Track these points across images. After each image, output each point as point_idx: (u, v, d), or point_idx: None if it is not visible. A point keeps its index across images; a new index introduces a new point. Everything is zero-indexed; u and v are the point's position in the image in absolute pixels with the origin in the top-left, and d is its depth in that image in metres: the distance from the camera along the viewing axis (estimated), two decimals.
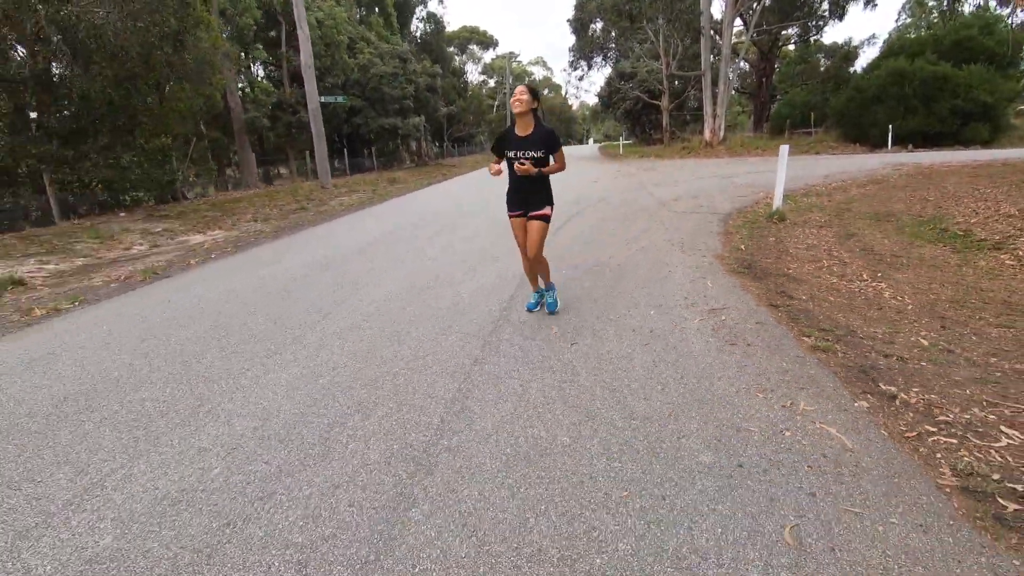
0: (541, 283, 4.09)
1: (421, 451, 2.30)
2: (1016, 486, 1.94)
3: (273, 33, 24.06)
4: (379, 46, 26.66)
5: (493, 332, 3.65)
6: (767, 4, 30.51)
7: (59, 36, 10.31)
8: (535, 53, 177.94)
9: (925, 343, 3.27)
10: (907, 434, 2.29)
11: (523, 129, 3.54)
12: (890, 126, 20.44)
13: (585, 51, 37.72)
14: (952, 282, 4.56)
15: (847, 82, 25.82)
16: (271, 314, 4.39)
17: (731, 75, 28.39)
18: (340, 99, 19.34)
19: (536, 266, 3.86)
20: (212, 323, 4.27)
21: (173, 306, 4.92)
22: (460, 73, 51.26)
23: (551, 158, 3.62)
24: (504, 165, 3.72)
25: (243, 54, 21.49)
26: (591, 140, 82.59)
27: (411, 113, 26.91)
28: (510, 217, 3.84)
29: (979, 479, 1.99)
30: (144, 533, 1.89)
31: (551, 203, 3.76)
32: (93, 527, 1.94)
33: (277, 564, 1.71)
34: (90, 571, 1.73)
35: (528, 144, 3.52)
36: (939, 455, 2.14)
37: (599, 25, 37.13)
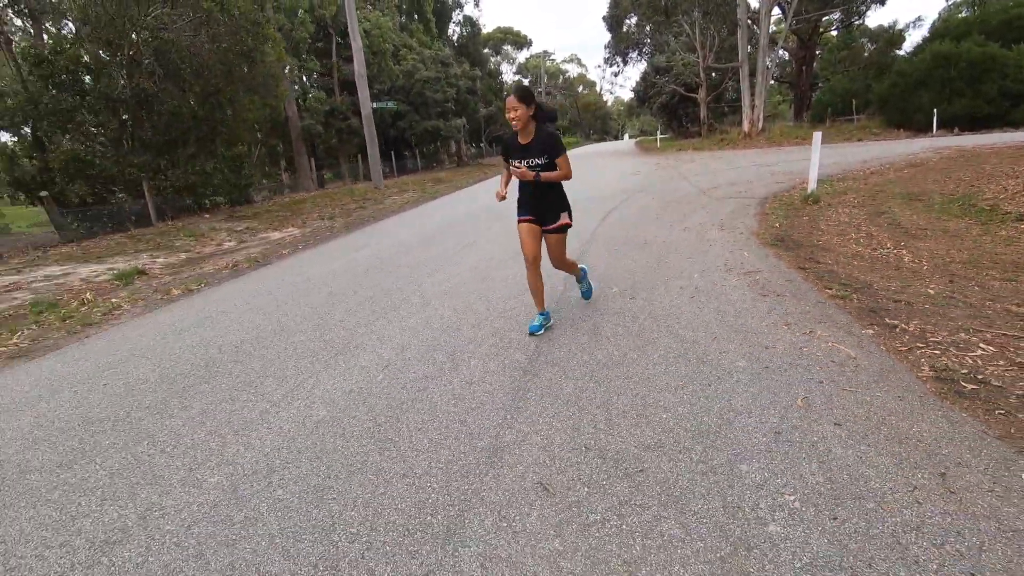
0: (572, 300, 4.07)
1: (526, 364, 3.11)
2: (978, 376, 2.60)
3: (321, 44, 25.50)
4: (421, 52, 27.83)
5: (563, 293, 4.44)
6: None
7: (152, 58, 11.63)
8: (569, 51, 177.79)
9: (932, 292, 3.89)
10: (900, 348, 2.97)
11: (525, 136, 3.27)
12: (935, 110, 20.22)
13: (620, 47, 38.07)
14: (969, 248, 5.09)
15: (890, 68, 25.46)
16: (375, 285, 5.30)
17: (769, 65, 28.30)
18: (390, 105, 20.55)
19: (562, 269, 3.76)
20: (328, 293, 5.21)
21: (289, 283, 5.91)
22: (496, 74, 52.19)
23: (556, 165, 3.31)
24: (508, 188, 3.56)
25: (298, 66, 22.94)
26: (626, 135, 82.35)
27: (452, 115, 27.99)
28: (519, 222, 3.52)
29: (950, 372, 2.66)
30: (346, 409, 2.77)
31: (567, 209, 3.50)
32: (309, 407, 2.83)
33: (446, 421, 2.55)
34: (321, 427, 2.61)
35: (531, 152, 3.26)
36: (923, 360, 2.82)
37: (634, 20, 37.45)
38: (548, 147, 3.23)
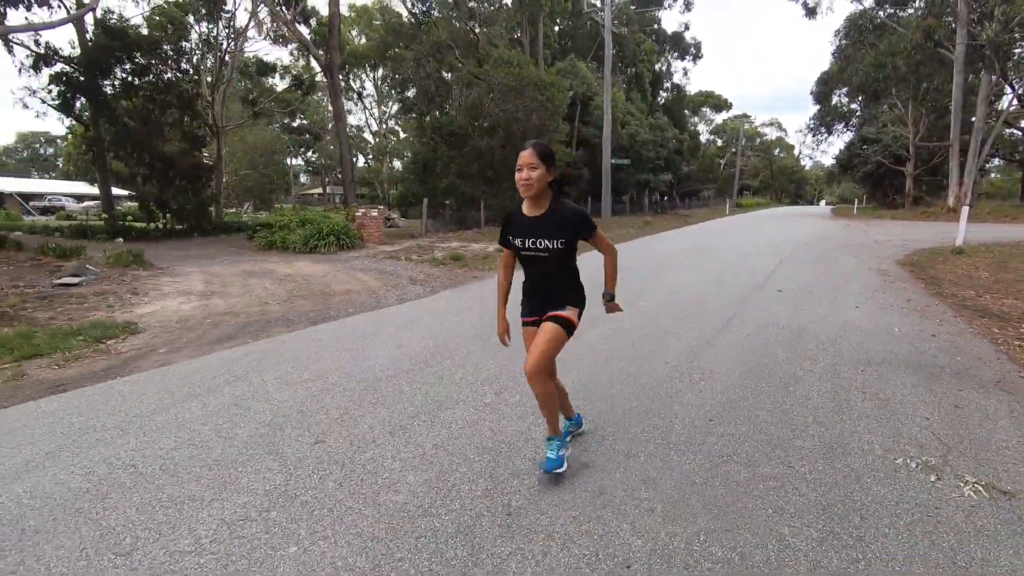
0: (562, 418, 2.78)
1: (736, 307, 8.11)
2: (955, 294, 6.98)
3: (567, 110, 32.91)
4: (641, 119, 33.90)
5: (767, 280, 9.27)
6: None
7: (501, 129, 18.85)
8: (770, 103, 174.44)
9: (976, 284, 7.99)
10: (933, 290, 7.38)
11: (535, 207, 2.38)
12: None
13: (826, 119, 40.27)
14: None
15: None
16: (648, 274, 10.64)
17: (987, 146, 28.79)
18: (625, 162, 26.65)
19: (536, 382, 2.39)
20: (654, 264, 10.66)
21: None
22: (695, 135, 56.88)
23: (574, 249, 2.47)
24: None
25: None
26: (823, 201, 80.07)
27: (661, 171, 33.36)
28: (523, 325, 2.61)
29: (943, 292, 7.07)
30: (681, 290, 8.03)
31: (579, 304, 2.55)
32: (665, 287, 8.17)
33: (704, 342, 7.69)
34: (675, 294, 7.91)
35: (544, 229, 2.35)
36: (937, 292, 7.22)
37: (843, 92, 39.44)
38: (573, 224, 2.36)
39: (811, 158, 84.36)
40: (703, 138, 70.57)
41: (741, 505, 2.30)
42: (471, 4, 27.01)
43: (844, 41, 34.94)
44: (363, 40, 39.78)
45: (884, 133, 37.39)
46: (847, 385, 3.69)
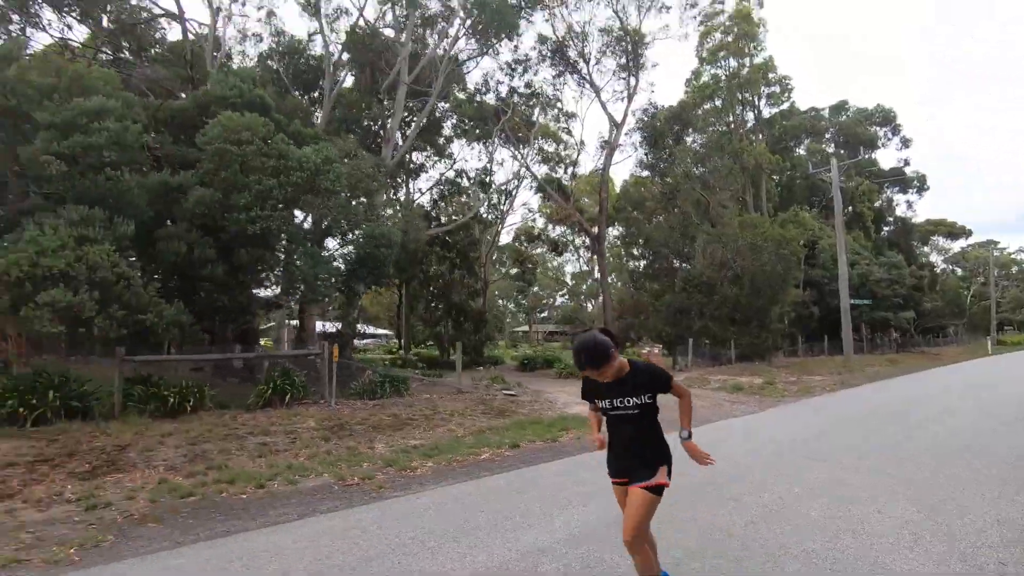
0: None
1: None
2: None
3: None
4: (870, 258, 34.29)
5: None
6: None
7: (747, 279, 22.07)
8: (1015, 227, 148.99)
9: None
10: None
11: (612, 373, 2.61)
12: None
13: None
14: None
15: None
16: (911, 410, 12.28)
17: None
18: (866, 303, 27.59)
19: (633, 550, 2.62)
20: (912, 396, 12.44)
21: (894, 395, 13.42)
22: (931, 267, 52.92)
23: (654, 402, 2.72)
24: (602, 429, 2.94)
25: None
26: None
27: (899, 308, 32.67)
28: (613, 483, 2.86)
29: None
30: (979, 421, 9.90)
31: (666, 459, 2.73)
32: (943, 428, 10.10)
33: None
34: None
35: (626, 389, 2.64)
36: None
37: None
38: (652, 379, 2.67)
39: None
40: (938, 268, 64.35)
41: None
42: (696, 171, 32.18)
43: None
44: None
45: None
46: None
